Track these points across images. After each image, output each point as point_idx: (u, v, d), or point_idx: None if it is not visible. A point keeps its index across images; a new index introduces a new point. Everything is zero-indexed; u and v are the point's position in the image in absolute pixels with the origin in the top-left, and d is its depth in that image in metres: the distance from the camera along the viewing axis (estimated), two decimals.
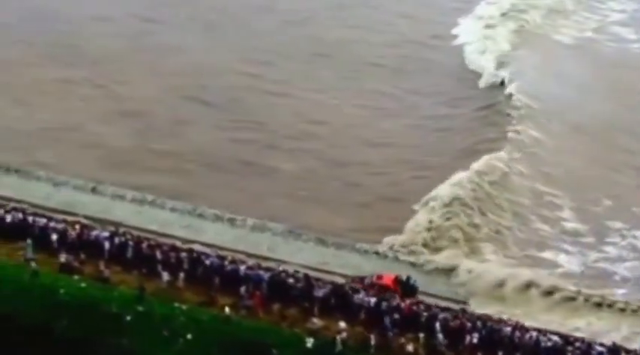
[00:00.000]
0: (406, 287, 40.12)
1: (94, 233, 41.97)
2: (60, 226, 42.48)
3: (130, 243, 41.76)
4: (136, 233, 43.84)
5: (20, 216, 43.02)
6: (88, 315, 37.01)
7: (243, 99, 65.37)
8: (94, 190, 52.28)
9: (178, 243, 43.76)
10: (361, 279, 40.78)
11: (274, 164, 56.99)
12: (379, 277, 40.39)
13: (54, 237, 41.68)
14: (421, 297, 41.39)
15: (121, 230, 43.30)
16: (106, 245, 41.52)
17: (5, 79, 64.52)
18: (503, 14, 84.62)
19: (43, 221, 42.75)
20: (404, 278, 40.88)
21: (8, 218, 42.51)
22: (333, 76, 70.38)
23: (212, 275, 39.89)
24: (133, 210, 49.78)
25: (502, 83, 70.91)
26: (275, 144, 59.28)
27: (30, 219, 43.02)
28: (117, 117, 60.98)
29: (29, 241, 40.65)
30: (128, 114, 61.57)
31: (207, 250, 43.89)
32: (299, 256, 46.01)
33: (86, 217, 46.97)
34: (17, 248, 41.42)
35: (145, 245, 41.67)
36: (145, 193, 51.67)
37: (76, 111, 61.78)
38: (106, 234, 42.14)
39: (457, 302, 43.23)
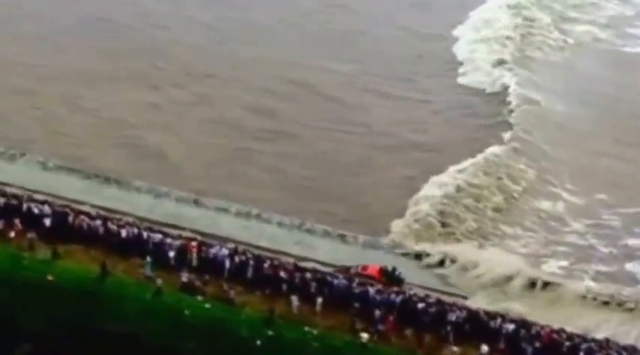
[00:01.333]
0: (391, 278, 39.45)
1: (213, 250, 40.44)
2: (177, 242, 40.76)
3: (251, 261, 39.85)
4: (250, 250, 42.40)
5: (135, 231, 41.17)
6: (216, 338, 35.49)
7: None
8: (197, 202, 49.95)
9: (294, 261, 42.45)
10: (347, 269, 39.90)
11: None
12: (364, 268, 39.82)
13: (171, 254, 40.11)
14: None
15: (240, 248, 41.43)
16: (227, 263, 39.70)
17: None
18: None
19: (158, 236, 41.02)
20: (389, 269, 40.04)
21: (123, 233, 40.78)
22: None
23: (343, 298, 37.76)
24: (240, 224, 47.64)
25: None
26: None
27: (145, 234, 41.15)
28: (215, 127, 58.79)
29: (149, 259, 39.20)
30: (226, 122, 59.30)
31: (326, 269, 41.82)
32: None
33: (194, 231, 45.36)
34: (135, 264, 40.05)
35: (267, 264, 39.70)
36: (249, 206, 49.28)
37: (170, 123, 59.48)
38: (225, 251, 40.33)
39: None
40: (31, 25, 69.46)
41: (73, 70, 63.53)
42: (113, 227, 40.07)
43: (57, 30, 69.59)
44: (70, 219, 40.31)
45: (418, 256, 45.92)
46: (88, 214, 41.26)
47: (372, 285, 38.12)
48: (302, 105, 63.35)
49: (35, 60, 64.35)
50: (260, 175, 54.15)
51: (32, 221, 40.08)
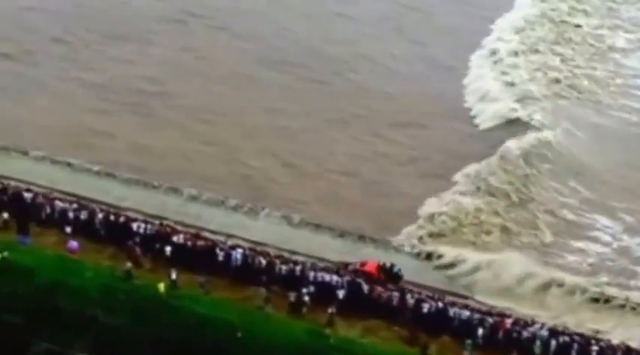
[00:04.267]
0: (390, 275, 37.20)
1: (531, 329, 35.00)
2: (489, 319, 34.92)
3: None
4: None
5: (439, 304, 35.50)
6: None
7: None
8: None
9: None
10: (345, 266, 37.70)
11: None
12: (363, 264, 37.77)
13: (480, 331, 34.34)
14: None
15: None
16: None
17: None
18: None
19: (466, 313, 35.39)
20: (388, 265, 37.78)
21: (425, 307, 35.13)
22: None
23: None
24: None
25: None
26: None
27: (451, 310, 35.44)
28: None
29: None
30: None
31: None
32: None
33: None
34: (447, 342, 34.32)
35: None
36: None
37: None
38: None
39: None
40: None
41: None
42: (411, 300, 34.98)
43: None
44: (366, 290, 34.88)
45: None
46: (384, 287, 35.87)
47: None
48: None
49: None
50: None
51: (326, 292, 34.82)
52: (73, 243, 35.21)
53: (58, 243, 36.25)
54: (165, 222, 38.01)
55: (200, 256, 35.58)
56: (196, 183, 44.96)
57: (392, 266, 37.81)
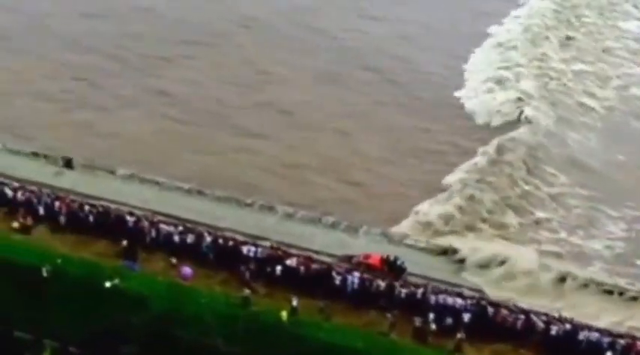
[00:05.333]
0: (393, 268, 36.60)
1: None
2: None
3: None
4: None
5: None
6: None
7: None
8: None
9: None
10: (349, 259, 37.12)
11: None
12: (366, 256, 37.20)
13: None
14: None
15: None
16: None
17: None
18: None
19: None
20: (391, 258, 37.14)
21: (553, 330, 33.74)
22: None
23: None
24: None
25: None
26: None
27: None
28: None
29: None
30: None
31: None
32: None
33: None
34: None
35: None
36: None
37: None
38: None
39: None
40: None
41: None
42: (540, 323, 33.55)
43: None
44: (490, 312, 33.54)
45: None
46: (506, 307, 34.37)
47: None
48: None
49: None
50: None
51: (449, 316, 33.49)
52: (187, 270, 33.97)
53: (166, 269, 34.99)
54: (274, 245, 36.64)
55: (315, 280, 34.18)
56: (286, 200, 43.71)
57: (395, 258, 37.22)
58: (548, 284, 39.33)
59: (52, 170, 44.02)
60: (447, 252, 40.60)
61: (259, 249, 35.18)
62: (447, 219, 44.42)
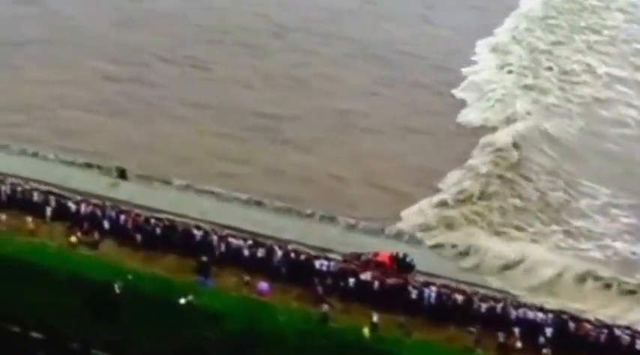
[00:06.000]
0: (402, 265, 36.23)
1: None
2: None
3: None
4: None
5: None
6: None
7: None
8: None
9: None
10: (358, 257, 36.59)
11: None
12: (375, 254, 36.72)
13: None
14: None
15: None
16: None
17: None
18: None
19: None
20: (400, 255, 36.76)
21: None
22: None
23: None
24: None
25: None
26: None
27: None
28: None
29: None
30: None
31: None
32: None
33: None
34: None
35: None
36: None
37: None
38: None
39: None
40: None
41: None
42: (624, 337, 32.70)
43: None
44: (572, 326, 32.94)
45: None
46: (588, 321, 33.82)
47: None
48: None
49: None
50: None
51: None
52: (264, 285, 33.34)
53: (238, 284, 34.37)
54: (347, 258, 36.08)
55: (391, 294, 33.58)
56: (343, 210, 43.03)
57: (405, 256, 36.83)
58: (570, 285, 38.91)
59: (107, 181, 43.49)
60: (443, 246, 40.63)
61: (332, 263, 34.47)
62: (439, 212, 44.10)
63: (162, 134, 49.83)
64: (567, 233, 44.57)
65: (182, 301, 32.48)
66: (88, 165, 44.49)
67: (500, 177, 47.62)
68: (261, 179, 46.01)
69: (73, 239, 36.85)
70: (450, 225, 42.97)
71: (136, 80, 55.94)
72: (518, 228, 44.12)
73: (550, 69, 64.90)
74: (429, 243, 41.09)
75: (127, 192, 42.25)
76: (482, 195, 46.00)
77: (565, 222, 45.31)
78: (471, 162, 49.17)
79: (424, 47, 66.43)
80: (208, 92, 55.35)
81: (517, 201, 46.07)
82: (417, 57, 64.06)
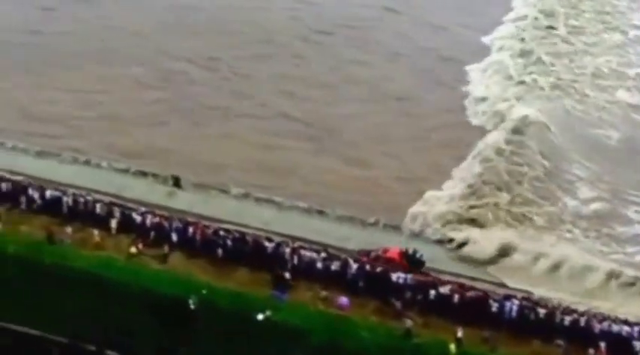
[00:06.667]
0: (412, 261, 36.38)
1: None
2: None
3: None
4: None
5: None
6: None
7: None
8: None
9: None
10: (367, 253, 36.76)
11: None
12: (385, 250, 36.87)
13: None
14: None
15: None
16: None
17: None
18: None
19: None
20: (410, 251, 36.96)
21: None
22: None
23: None
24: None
25: None
26: None
27: None
28: None
29: None
30: None
31: None
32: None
33: None
34: None
35: None
36: None
37: None
38: None
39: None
40: None
41: None
42: None
43: None
44: None
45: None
46: None
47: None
48: None
49: None
50: None
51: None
52: (343, 299, 32.63)
53: (314, 298, 33.67)
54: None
55: (471, 308, 32.89)
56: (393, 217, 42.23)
57: (414, 252, 36.82)
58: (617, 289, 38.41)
59: (163, 190, 42.75)
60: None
61: (409, 276, 33.78)
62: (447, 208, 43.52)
63: (208, 143, 48.86)
64: (611, 237, 43.72)
65: (260, 317, 31.81)
66: (143, 174, 43.67)
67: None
68: (312, 188, 45.09)
69: (134, 250, 36.17)
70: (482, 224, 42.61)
71: (177, 88, 54.92)
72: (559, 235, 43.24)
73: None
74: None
75: (185, 201, 41.56)
76: (526, 201, 45.28)
77: (609, 227, 44.43)
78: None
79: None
80: (251, 99, 54.36)
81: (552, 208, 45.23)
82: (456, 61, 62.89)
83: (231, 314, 32.07)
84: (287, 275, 33.39)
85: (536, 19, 71.74)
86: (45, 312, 32.86)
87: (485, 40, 67.04)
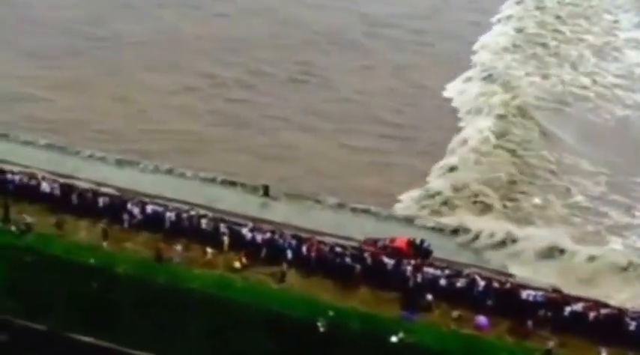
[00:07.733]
0: (420, 251, 35.99)
1: None
2: None
3: None
4: None
5: None
6: None
7: None
8: None
9: None
10: (374, 242, 36.48)
11: None
12: (392, 240, 36.48)
13: None
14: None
15: None
16: None
17: None
18: None
19: None
20: (417, 241, 36.52)
21: None
22: None
23: None
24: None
25: None
26: None
27: None
28: None
29: None
30: None
31: None
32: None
33: None
34: None
35: None
36: None
37: None
38: None
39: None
40: None
41: None
42: None
43: None
44: None
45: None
46: None
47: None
48: None
49: None
50: None
51: None
52: (482, 319, 31.55)
53: (443, 317, 32.58)
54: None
55: (607, 325, 31.94)
56: None
57: (422, 241, 36.44)
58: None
59: (255, 200, 41.45)
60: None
61: (539, 293, 32.78)
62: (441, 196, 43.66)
63: (288, 146, 47.67)
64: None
65: (394, 339, 30.75)
66: (232, 184, 42.30)
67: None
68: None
69: (237, 264, 34.93)
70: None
71: (247, 88, 53.58)
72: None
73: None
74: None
75: (281, 212, 40.23)
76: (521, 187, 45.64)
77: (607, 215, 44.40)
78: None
79: None
80: (324, 99, 53.09)
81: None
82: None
83: (363, 337, 30.99)
84: (429, 296, 32.12)
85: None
86: (158, 335, 31.71)
87: None
